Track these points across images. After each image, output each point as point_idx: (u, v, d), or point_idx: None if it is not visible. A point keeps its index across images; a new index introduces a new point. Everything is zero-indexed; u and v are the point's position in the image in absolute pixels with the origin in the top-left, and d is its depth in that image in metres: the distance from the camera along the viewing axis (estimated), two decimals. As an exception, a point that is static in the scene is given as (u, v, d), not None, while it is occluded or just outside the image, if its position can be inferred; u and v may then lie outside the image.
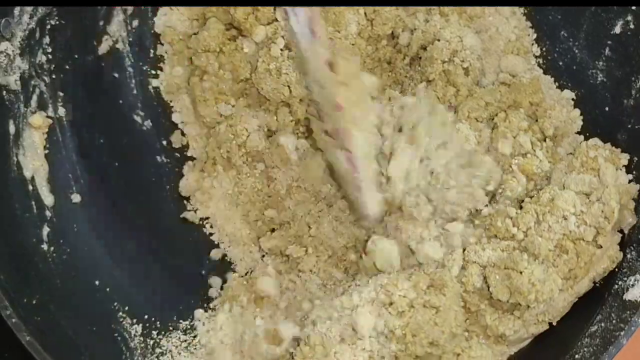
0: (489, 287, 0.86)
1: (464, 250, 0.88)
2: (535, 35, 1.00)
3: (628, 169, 0.89)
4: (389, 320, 0.84)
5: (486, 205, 0.90)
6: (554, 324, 0.87)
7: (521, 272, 0.83)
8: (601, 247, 0.85)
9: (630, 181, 0.88)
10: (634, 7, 0.91)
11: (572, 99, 0.96)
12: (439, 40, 0.95)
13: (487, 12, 0.99)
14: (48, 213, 0.90)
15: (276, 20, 0.98)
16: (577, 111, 0.95)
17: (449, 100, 0.94)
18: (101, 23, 0.98)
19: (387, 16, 0.97)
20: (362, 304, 0.85)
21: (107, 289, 0.93)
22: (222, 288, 0.99)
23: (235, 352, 0.92)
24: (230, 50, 0.99)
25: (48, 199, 0.91)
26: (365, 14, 0.98)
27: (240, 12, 0.98)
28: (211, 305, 0.98)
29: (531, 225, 0.86)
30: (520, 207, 0.88)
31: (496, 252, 0.86)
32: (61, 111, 0.94)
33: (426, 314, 0.83)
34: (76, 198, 0.94)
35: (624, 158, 0.89)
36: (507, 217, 0.87)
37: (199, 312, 0.97)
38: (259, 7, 0.98)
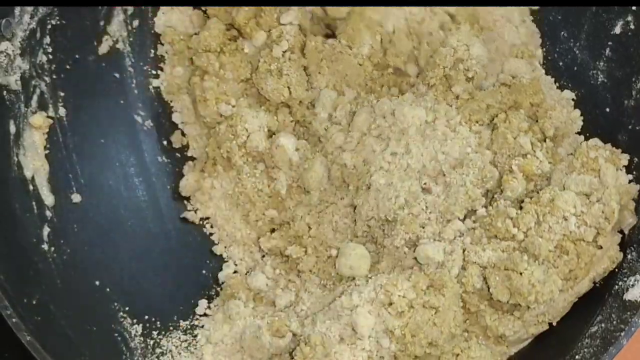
0: (489, 288, 0.85)
1: (463, 250, 0.88)
2: (541, 41, 0.99)
3: (628, 169, 0.89)
4: (388, 321, 0.84)
5: (484, 206, 0.90)
6: (554, 324, 0.87)
7: (521, 273, 0.83)
8: (601, 247, 0.84)
9: (630, 181, 0.88)
10: (634, 8, 0.91)
11: (573, 100, 0.96)
12: (444, 46, 0.94)
13: (499, 23, 0.98)
14: (48, 213, 0.90)
15: (281, 24, 0.98)
16: (577, 112, 0.95)
17: (449, 103, 0.94)
18: (101, 23, 0.98)
19: (402, 49, 0.97)
20: (361, 304, 0.85)
21: (107, 289, 0.93)
22: (221, 288, 0.99)
23: (237, 350, 0.92)
24: (231, 50, 0.99)
25: (48, 199, 0.91)
26: (381, 40, 0.97)
27: (241, 17, 0.98)
28: (211, 305, 0.98)
29: (531, 226, 0.85)
30: (521, 208, 0.87)
31: (496, 253, 0.86)
32: (61, 111, 0.94)
33: (425, 315, 0.83)
34: (76, 198, 0.94)
35: (624, 158, 0.89)
36: (507, 218, 0.87)
37: (199, 312, 0.97)
38: (262, 14, 0.98)
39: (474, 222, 0.90)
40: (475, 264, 0.86)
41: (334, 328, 0.85)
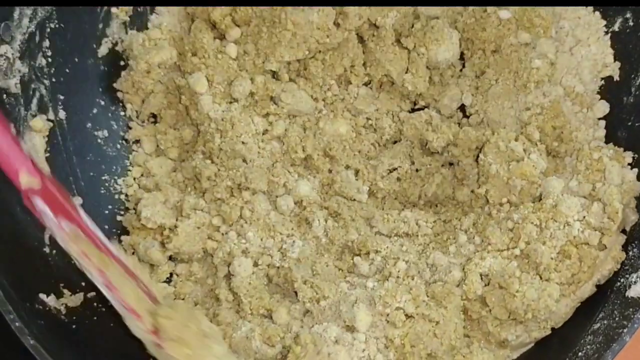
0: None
1: (466, 259, 0.88)
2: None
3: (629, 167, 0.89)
4: (388, 329, 0.83)
5: (481, 216, 0.90)
6: (557, 327, 0.87)
7: (514, 295, 0.83)
8: (605, 247, 0.84)
9: (633, 178, 0.88)
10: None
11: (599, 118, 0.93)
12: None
13: None
14: (49, 216, 0.90)
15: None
16: (603, 131, 0.92)
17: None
18: (100, 25, 0.98)
19: None
20: (361, 299, 0.85)
21: (110, 291, 0.93)
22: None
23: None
24: (215, 52, 0.98)
25: (49, 202, 0.90)
26: None
27: (217, 14, 0.96)
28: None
29: (533, 234, 0.85)
30: (522, 214, 0.87)
31: (497, 260, 0.86)
32: (61, 114, 0.94)
33: (426, 325, 0.83)
34: (77, 201, 0.94)
35: (628, 156, 0.88)
36: (507, 229, 0.86)
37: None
38: (237, 10, 0.96)
39: (476, 230, 0.90)
40: (476, 272, 0.86)
41: (330, 330, 0.84)
